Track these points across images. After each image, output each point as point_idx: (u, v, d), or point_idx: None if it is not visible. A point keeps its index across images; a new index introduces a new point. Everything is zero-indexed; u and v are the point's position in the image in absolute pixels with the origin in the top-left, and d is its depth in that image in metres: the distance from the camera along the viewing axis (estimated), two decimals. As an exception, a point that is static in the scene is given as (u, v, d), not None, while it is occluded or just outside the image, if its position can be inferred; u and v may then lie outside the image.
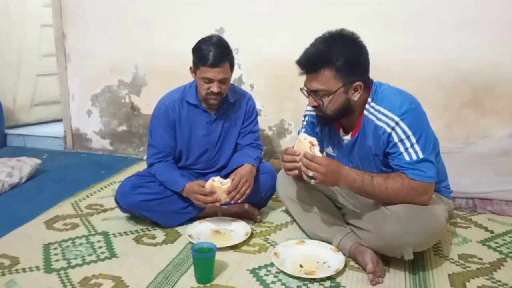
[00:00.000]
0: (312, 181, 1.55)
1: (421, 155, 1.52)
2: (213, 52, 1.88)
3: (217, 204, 1.92)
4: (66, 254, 1.80)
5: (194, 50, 1.96)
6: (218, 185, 1.90)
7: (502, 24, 2.39)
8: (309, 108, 1.80)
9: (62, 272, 1.67)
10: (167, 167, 2.06)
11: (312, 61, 1.55)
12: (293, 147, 1.66)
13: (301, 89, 1.66)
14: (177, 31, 2.91)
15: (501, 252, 1.83)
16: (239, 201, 1.94)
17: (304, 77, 1.62)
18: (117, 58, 3.12)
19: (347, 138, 1.71)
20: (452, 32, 2.46)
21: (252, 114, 2.19)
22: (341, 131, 1.74)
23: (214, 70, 1.89)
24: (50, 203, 2.32)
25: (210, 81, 1.92)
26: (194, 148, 2.11)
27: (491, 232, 2.02)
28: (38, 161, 2.82)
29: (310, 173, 1.53)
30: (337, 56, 1.52)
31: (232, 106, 2.12)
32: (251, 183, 1.98)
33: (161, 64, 3.00)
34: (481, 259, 1.78)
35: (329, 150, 1.82)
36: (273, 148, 2.94)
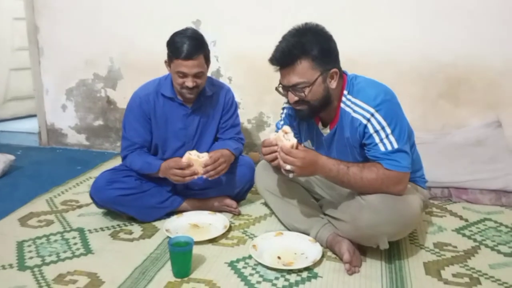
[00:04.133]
0: (291, 175, 1.56)
1: (395, 146, 1.54)
2: (186, 45, 1.86)
3: (195, 177, 1.91)
4: (40, 251, 1.77)
5: (168, 43, 1.93)
6: (195, 157, 1.88)
7: (477, 16, 2.41)
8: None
9: (36, 269, 1.63)
10: (140, 154, 2.04)
11: (287, 54, 1.54)
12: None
13: (277, 88, 1.66)
14: (153, 23, 2.86)
15: (475, 240, 1.87)
16: (210, 178, 1.92)
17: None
18: (92, 51, 3.05)
19: (326, 131, 1.72)
20: (428, 24, 2.48)
21: (231, 107, 2.17)
22: (320, 125, 1.74)
23: (188, 63, 1.87)
24: (24, 200, 2.26)
25: (184, 75, 1.90)
26: (170, 141, 2.08)
27: (466, 220, 2.06)
28: (12, 157, 2.75)
29: (288, 167, 1.53)
30: (311, 46, 1.53)
31: (210, 99, 2.10)
32: (227, 167, 1.98)
33: (137, 57, 2.96)
34: (455, 247, 1.81)
35: (308, 143, 1.83)
36: (252, 141, 2.93)
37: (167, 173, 1.93)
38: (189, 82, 1.90)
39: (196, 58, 1.88)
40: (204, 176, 1.91)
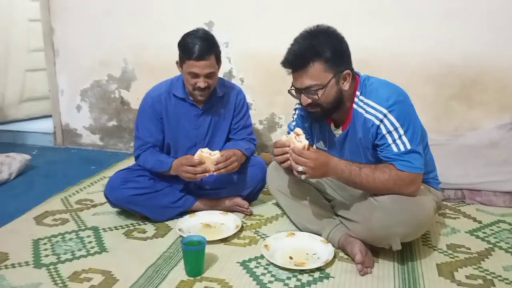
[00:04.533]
0: (303, 176, 1.56)
1: (408, 146, 1.53)
2: (198, 45, 1.87)
3: (206, 174, 1.92)
4: (55, 249, 1.80)
5: (179, 44, 1.95)
6: (207, 155, 1.90)
7: (488, 16, 2.40)
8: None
9: (51, 267, 1.66)
10: (152, 153, 2.06)
11: (299, 57, 1.54)
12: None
13: (289, 91, 1.66)
14: (166, 25, 2.89)
15: (489, 242, 1.85)
16: (218, 173, 1.93)
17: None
18: (106, 52, 3.10)
19: (338, 132, 1.72)
20: (439, 24, 2.47)
21: (242, 108, 2.18)
22: (332, 126, 1.74)
23: (200, 63, 1.88)
24: (40, 199, 2.30)
25: (196, 76, 1.91)
26: (182, 141, 2.10)
27: (479, 222, 2.04)
28: (28, 157, 2.79)
29: (300, 168, 1.54)
30: (323, 48, 1.53)
31: (221, 100, 2.11)
32: (238, 166, 1.99)
33: (151, 58, 2.99)
34: (469, 249, 1.80)
35: (320, 144, 1.83)
36: (263, 142, 2.94)
37: (178, 170, 1.94)
38: (201, 83, 1.92)
39: (207, 59, 1.89)
40: (215, 173, 1.92)
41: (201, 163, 1.89)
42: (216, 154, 1.91)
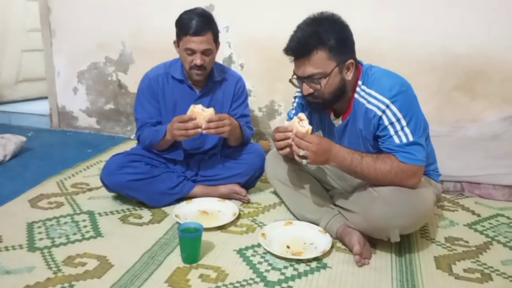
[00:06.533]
0: (304, 161, 1.53)
1: (411, 138, 1.51)
2: (195, 21, 1.86)
3: (199, 130, 1.84)
4: (50, 232, 1.78)
5: (176, 22, 1.93)
6: (199, 110, 1.83)
7: (496, 7, 2.35)
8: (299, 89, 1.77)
9: (45, 250, 1.64)
10: (149, 128, 2.04)
11: (303, 44, 1.51)
12: None
13: (290, 80, 1.63)
14: (165, 7, 2.83)
15: (487, 236, 1.84)
16: (206, 131, 1.84)
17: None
18: (104, 34, 3.04)
19: (338, 122, 1.70)
20: (445, 14, 2.43)
21: (241, 95, 2.16)
22: (331, 115, 1.72)
23: (197, 39, 1.86)
24: (35, 181, 2.27)
25: (192, 52, 1.89)
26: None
27: (478, 215, 2.03)
28: (23, 138, 2.76)
29: (301, 152, 1.51)
30: (328, 35, 1.49)
31: (219, 85, 2.09)
32: (229, 133, 1.91)
33: (149, 41, 2.94)
34: (467, 242, 1.79)
35: (319, 134, 1.80)
36: (262, 130, 2.91)
37: (172, 131, 1.88)
38: (198, 60, 1.89)
39: (204, 34, 1.87)
40: (204, 132, 1.84)
41: (192, 119, 1.83)
42: (209, 111, 1.84)
